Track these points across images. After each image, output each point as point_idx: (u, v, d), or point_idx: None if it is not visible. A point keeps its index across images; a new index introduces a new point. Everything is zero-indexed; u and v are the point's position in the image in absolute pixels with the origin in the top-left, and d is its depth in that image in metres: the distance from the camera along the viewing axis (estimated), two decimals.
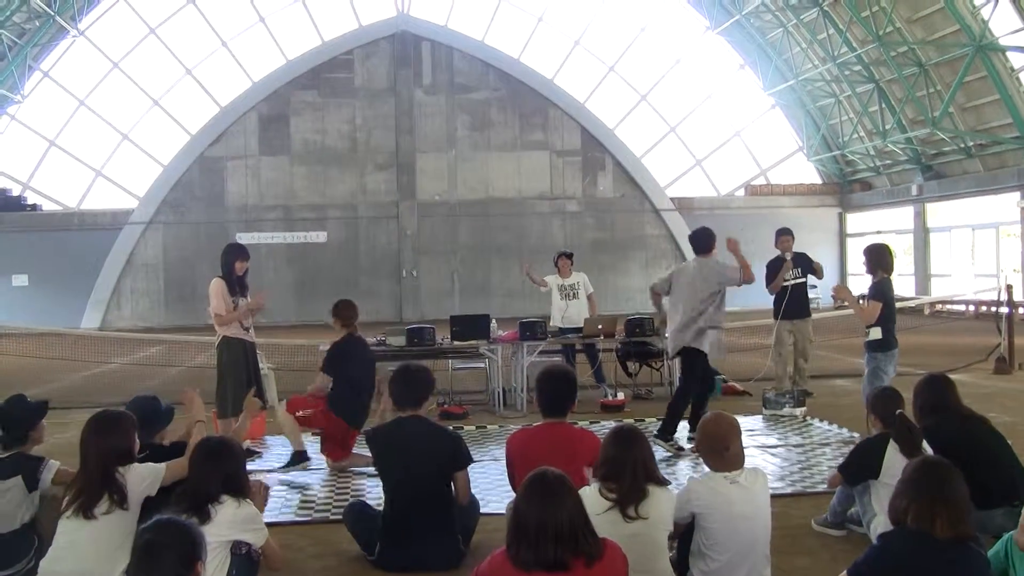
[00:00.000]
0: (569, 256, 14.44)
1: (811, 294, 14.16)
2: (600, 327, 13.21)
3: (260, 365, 13.04)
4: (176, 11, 34.40)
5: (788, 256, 13.44)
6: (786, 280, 13.41)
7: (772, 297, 13.56)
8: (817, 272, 13.75)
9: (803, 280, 13.50)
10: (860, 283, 35.41)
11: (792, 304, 13.42)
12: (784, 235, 13.66)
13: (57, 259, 32.75)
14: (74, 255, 32.91)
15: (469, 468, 6.46)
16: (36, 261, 32.83)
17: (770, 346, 13.60)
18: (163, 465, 5.53)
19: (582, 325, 13.43)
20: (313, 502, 8.16)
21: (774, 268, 13.55)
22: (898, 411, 6.34)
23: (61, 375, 17.69)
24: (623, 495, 5.04)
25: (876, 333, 9.35)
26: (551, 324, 13.83)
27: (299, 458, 9.33)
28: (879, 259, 9.57)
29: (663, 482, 5.25)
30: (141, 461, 5.66)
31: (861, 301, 9.85)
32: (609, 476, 5.15)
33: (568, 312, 13.91)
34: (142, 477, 5.34)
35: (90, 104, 34.18)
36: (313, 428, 9.55)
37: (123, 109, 34.45)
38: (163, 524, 4.02)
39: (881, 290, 9.42)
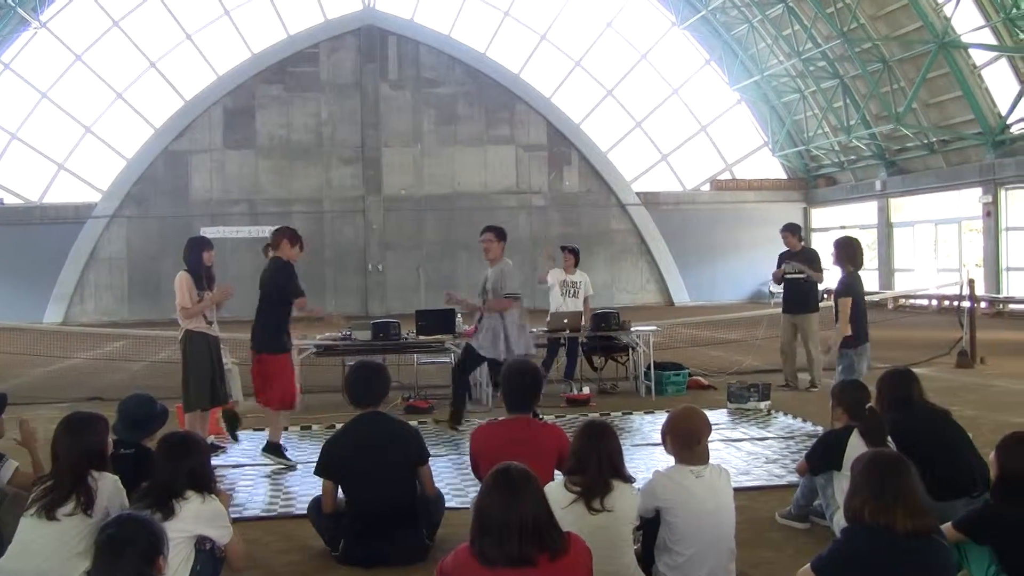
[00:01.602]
0: (573, 251, 14.39)
1: (775, 289, 14.26)
2: (565, 322, 13.25)
3: (224, 360, 13.01)
4: (140, 3, 34.11)
5: (795, 250, 13.74)
6: (788, 274, 13.60)
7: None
8: (814, 271, 13.62)
9: (802, 276, 13.53)
10: (824, 278, 35.66)
11: (790, 299, 13.67)
12: (783, 231, 14.02)
13: (19, 253, 32.40)
14: (36, 249, 32.57)
15: (434, 462, 6.45)
16: None
17: (730, 341, 13.68)
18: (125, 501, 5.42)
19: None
20: (279, 497, 8.12)
21: (779, 262, 13.88)
22: (868, 404, 6.40)
23: (23, 370, 17.52)
24: (588, 488, 5.05)
25: (845, 330, 9.39)
26: (548, 320, 13.81)
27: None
28: (846, 253, 9.61)
29: (628, 479, 5.26)
30: (127, 460, 5.62)
31: (826, 296, 9.89)
32: (575, 469, 5.17)
33: (567, 308, 13.89)
34: (112, 493, 5.18)
35: (52, 97, 33.84)
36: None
37: (86, 102, 34.14)
38: (124, 520, 4.02)
39: (849, 285, 9.46)
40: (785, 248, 13.91)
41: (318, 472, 6.44)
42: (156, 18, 34.31)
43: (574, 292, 14.05)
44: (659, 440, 5.60)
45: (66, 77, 33.98)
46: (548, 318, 13.79)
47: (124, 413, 6.14)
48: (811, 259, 13.76)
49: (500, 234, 11.14)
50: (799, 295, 13.64)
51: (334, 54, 35.26)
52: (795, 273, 13.57)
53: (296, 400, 9.73)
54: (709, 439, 5.48)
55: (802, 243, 14.02)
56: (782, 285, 13.92)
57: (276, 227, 10.19)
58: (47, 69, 33.87)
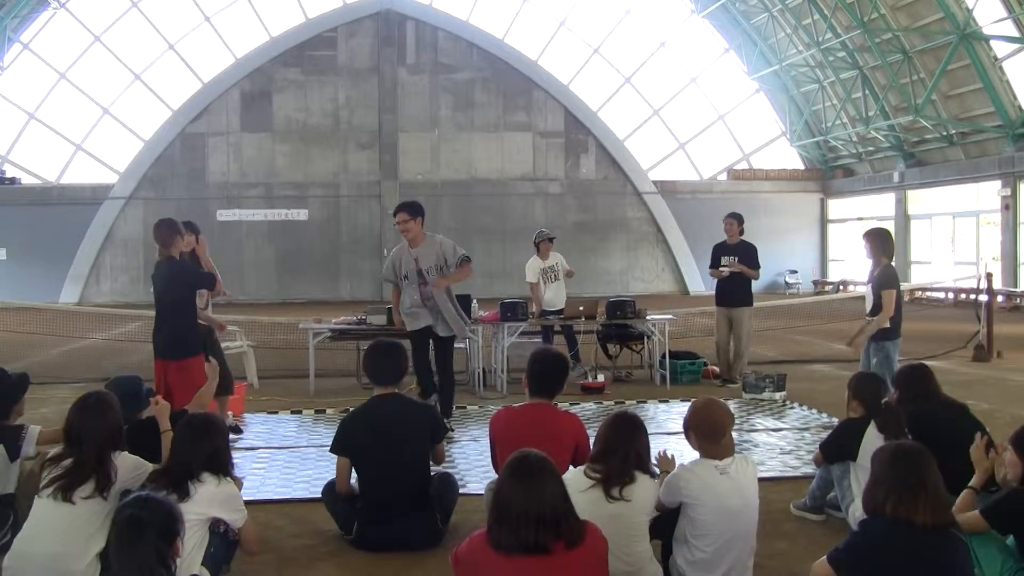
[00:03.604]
0: (551, 240, 14.26)
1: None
2: (581, 309, 13.21)
3: (239, 343, 13.09)
4: None
5: (732, 242, 13.32)
6: (723, 267, 13.25)
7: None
8: (751, 267, 13.24)
9: (738, 270, 13.16)
10: (839, 269, 35.57)
11: (726, 291, 13.27)
12: (729, 218, 13.49)
13: (36, 233, 32.54)
14: (53, 229, 32.69)
15: (448, 448, 6.43)
16: (14, 235, 32.63)
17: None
18: (150, 465, 5.42)
19: (562, 307, 13.47)
20: (292, 479, 8.12)
21: (713, 251, 13.56)
22: (885, 398, 6.38)
23: (39, 350, 17.58)
24: (609, 475, 5.03)
25: (885, 322, 9.30)
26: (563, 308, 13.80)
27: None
28: (883, 245, 9.53)
29: (652, 474, 5.23)
30: (128, 434, 5.61)
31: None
32: (600, 457, 5.15)
33: (548, 295, 13.83)
34: (130, 469, 5.23)
35: (71, 77, 33.93)
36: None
37: (104, 83, 34.21)
38: (143, 500, 4.04)
39: (891, 276, 9.40)
40: (723, 239, 13.50)
41: (334, 448, 6.42)
42: (175, 0, 34.33)
43: (554, 276, 13.94)
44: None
45: (84, 58, 34.07)
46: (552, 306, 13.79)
47: (117, 391, 6.13)
48: (749, 254, 13.29)
49: (414, 210, 10.24)
50: (733, 288, 13.24)
51: (352, 38, 35.22)
52: (730, 267, 13.18)
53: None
54: None
55: (742, 235, 13.47)
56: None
57: (160, 221, 8.79)
58: (65, 50, 33.98)
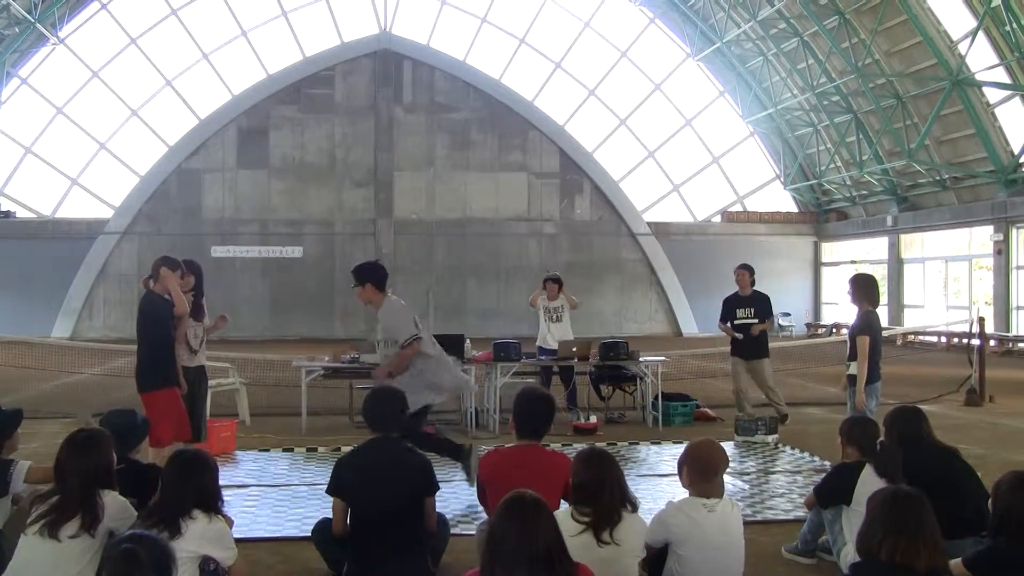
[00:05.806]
0: (556, 281, 14.29)
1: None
2: (574, 350, 13.22)
3: (231, 380, 13.07)
4: (158, 22, 34.38)
5: (744, 293, 13.31)
6: (738, 319, 13.24)
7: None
8: (767, 321, 13.30)
9: (754, 321, 13.15)
10: (832, 313, 35.60)
11: (744, 344, 13.18)
12: (742, 270, 13.46)
13: (30, 267, 32.51)
14: (47, 263, 32.67)
15: (439, 488, 6.39)
16: (8, 269, 32.55)
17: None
18: (135, 513, 5.36)
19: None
20: (283, 518, 8.08)
21: (726, 304, 13.50)
22: (879, 439, 6.38)
23: (30, 384, 17.52)
24: (598, 518, 5.02)
25: (863, 369, 9.28)
26: (536, 344, 14.00)
27: None
28: (865, 291, 9.53)
29: (635, 504, 5.24)
30: (122, 475, 5.58)
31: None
32: (585, 500, 5.13)
33: (551, 333, 13.89)
34: (118, 511, 5.16)
35: (68, 112, 34.05)
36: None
37: (101, 118, 34.33)
38: (138, 537, 4.02)
39: (868, 323, 9.38)
40: (734, 291, 13.45)
41: (329, 490, 6.38)
42: (173, 37, 34.57)
43: (557, 317, 14.10)
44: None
45: (82, 93, 34.23)
46: (537, 344, 13.99)
47: (110, 428, 6.10)
48: (764, 305, 13.31)
49: (361, 274, 9.27)
50: (752, 339, 13.15)
51: (349, 77, 35.42)
52: (746, 319, 13.16)
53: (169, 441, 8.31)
54: None
55: (753, 285, 13.46)
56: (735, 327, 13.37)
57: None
58: (64, 85, 34.11)
